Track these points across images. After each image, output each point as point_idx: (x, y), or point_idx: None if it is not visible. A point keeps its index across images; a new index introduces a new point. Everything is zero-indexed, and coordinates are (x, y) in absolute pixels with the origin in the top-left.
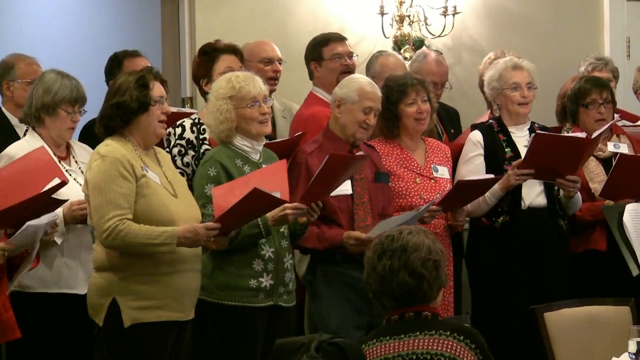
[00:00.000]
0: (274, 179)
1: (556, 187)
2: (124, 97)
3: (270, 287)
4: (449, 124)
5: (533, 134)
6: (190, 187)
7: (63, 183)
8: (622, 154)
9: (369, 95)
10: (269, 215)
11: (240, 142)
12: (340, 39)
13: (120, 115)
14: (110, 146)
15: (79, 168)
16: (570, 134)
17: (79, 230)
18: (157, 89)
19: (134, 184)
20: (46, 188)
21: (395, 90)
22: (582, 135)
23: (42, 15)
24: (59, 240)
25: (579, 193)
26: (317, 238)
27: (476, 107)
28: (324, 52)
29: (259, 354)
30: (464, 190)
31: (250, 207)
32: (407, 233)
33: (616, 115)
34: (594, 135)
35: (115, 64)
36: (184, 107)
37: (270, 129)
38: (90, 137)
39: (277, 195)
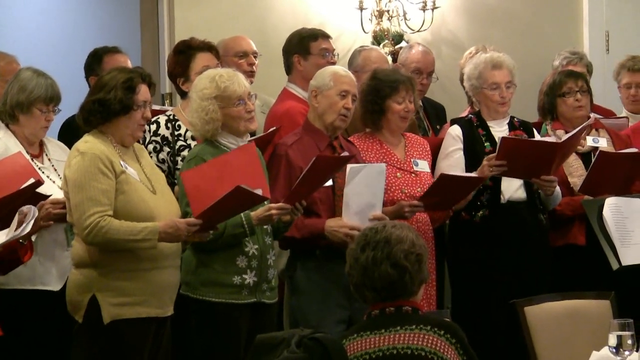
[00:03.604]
0: (245, 162)
1: None
2: (108, 96)
3: (253, 283)
4: (435, 119)
5: (500, 138)
6: (169, 182)
7: (38, 182)
8: (601, 151)
9: (344, 79)
10: (254, 214)
11: (225, 139)
12: (327, 36)
13: (101, 112)
14: (89, 143)
15: (52, 166)
16: (540, 139)
17: (52, 228)
18: (143, 93)
19: (113, 180)
20: (22, 187)
21: (387, 85)
22: (552, 139)
23: (22, 13)
24: (32, 238)
25: (558, 188)
26: (295, 226)
27: (456, 102)
28: (312, 47)
29: (242, 350)
30: (447, 186)
31: (232, 204)
32: (391, 226)
33: (591, 115)
34: (563, 139)
35: (95, 60)
36: (163, 103)
37: (257, 125)
38: (70, 132)
39: (259, 192)
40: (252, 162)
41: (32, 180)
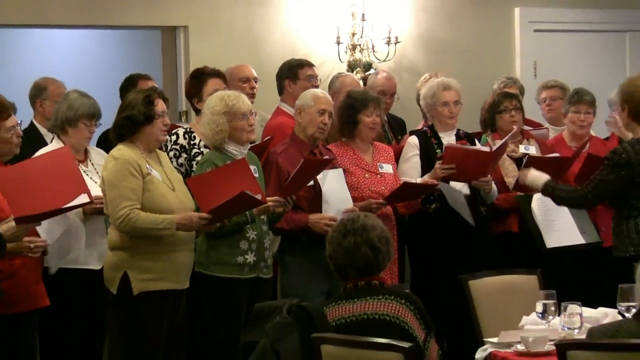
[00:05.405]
0: (238, 172)
1: None
2: (133, 111)
3: (253, 262)
4: (397, 131)
5: (445, 145)
6: (186, 183)
7: (89, 203)
8: (529, 155)
9: (322, 99)
10: None
11: (230, 147)
12: (312, 64)
13: (129, 126)
14: (121, 150)
15: (95, 169)
16: (476, 147)
17: (94, 219)
18: (160, 105)
19: (141, 180)
20: (73, 203)
21: (360, 102)
22: (487, 148)
23: (67, 47)
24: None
25: (495, 187)
26: (285, 220)
27: (414, 118)
28: (300, 73)
29: (243, 316)
30: (407, 190)
31: (236, 205)
32: (364, 216)
33: (514, 127)
34: (494, 148)
35: (130, 84)
36: (180, 119)
37: (256, 135)
38: (105, 143)
39: (259, 197)
40: (245, 172)
41: (84, 199)
